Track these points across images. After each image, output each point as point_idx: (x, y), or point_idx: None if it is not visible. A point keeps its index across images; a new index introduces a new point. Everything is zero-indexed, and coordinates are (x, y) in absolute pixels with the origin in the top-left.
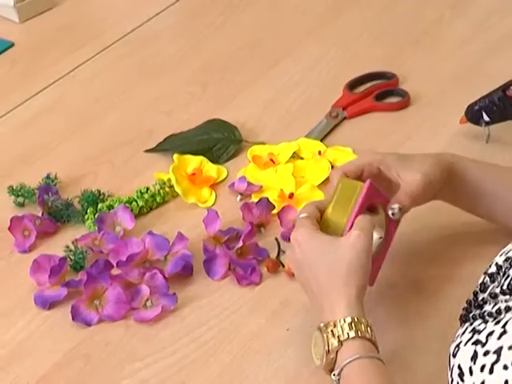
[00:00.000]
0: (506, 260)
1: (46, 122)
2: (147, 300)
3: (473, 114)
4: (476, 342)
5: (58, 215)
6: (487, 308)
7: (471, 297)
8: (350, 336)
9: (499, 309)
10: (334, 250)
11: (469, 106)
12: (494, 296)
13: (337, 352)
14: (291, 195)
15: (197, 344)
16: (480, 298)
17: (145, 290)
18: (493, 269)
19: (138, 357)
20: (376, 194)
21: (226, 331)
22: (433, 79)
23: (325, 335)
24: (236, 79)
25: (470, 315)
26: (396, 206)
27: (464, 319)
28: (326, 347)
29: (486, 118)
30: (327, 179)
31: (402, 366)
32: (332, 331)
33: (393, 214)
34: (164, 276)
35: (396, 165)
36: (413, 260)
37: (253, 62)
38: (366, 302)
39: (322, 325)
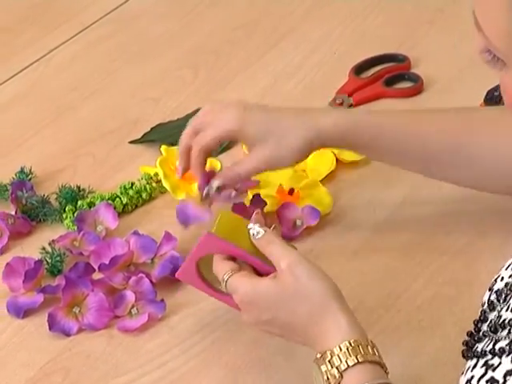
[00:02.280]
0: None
1: (20, 110)
2: (132, 307)
3: (493, 100)
4: (491, 381)
5: (33, 213)
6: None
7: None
8: (350, 364)
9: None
10: (285, 287)
11: (488, 92)
12: (494, 331)
13: None
14: (291, 191)
15: (187, 356)
16: (482, 332)
17: (130, 296)
18: (498, 285)
19: (123, 370)
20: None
21: (220, 341)
22: (448, 62)
23: (323, 368)
24: (230, 62)
25: (478, 349)
26: (215, 183)
27: (467, 355)
28: (326, 380)
29: None
30: (331, 174)
31: (411, 379)
32: (330, 362)
33: (206, 196)
34: (151, 280)
35: (253, 142)
36: (426, 262)
37: (249, 44)
38: (372, 308)
39: (318, 355)
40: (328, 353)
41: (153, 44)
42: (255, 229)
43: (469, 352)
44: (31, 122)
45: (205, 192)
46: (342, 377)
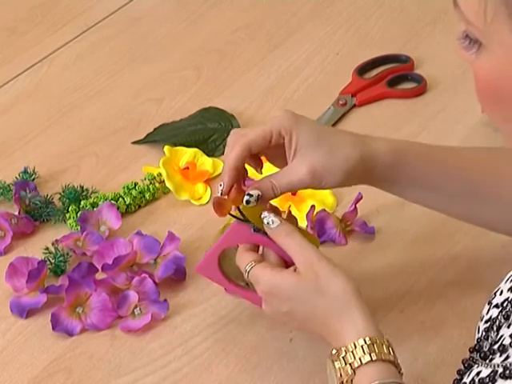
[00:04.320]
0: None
1: (24, 110)
2: (135, 307)
3: None
4: None
5: (36, 213)
6: (497, 361)
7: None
8: (364, 361)
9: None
10: (306, 280)
11: None
12: (493, 352)
13: (351, 381)
14: (294, 192)
15: (190, 356)
16: (485, 349)
17: (133, 296)
18: (498, 299)
19: (126, 370)
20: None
21: (223, 342)
22: (452, 63)
23: (337, 364)
24: (234, 63)
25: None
26: (255, 192)
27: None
28: (339, 377)
29: None
30: None
31: (414, 379)
32: (344, 358)
33: (247, 202)
34: (154, 281)
35: (303, 145)
36: (429, 262)
37: (252, 44)
38: (375, 309)
39: (333, 351)
40: (343, 349)
41: (156, 44)
42: (270, 217)
43: (470, 363)
44: (34, 123)
45: (245, 199)
46: (354, 373)
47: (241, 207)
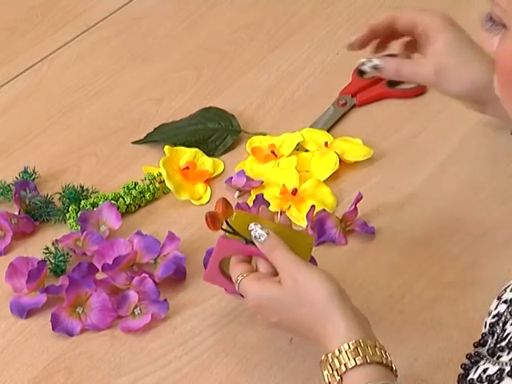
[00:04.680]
0: None
1: (23, 110)
2: (135, 307)
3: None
4: None
5: (36, 213)
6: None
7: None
8: (349, 367)
9: None
10: (289, 291)
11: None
12: (501, 350)
13: None
14: (295, 191)
15: (190, 356)
16: (492, 345)
17: (133, 296)
18: (508, 295)
19: (125, 370)
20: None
21: (223, 342)
22: None
23: (325, 371)
24: (234, 63)
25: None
26: (377, 61)
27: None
28: None
29: None
30: (334, 173)
31: (414, 379)
32: (331, 365)
33: (362, 64)
34: (154, 281)
35: (439, 52)
36: (429, 262)
37: (252, 44)
38: (375, 309)
39: (322, 358)
40: (329, 355)
41: (156, 44)
42: (257, 231)
43: (463, 380)
44: (34, 122)
45: (364, 62)
46: (342, 380)
47: (229, 221)
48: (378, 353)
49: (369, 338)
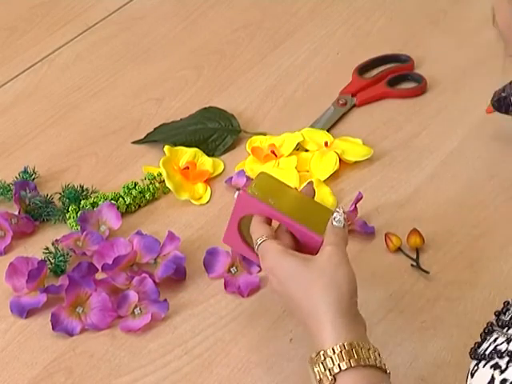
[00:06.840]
0: None
1: (23, 110)
2: (135, 307)
3: (501, 102)
4: (495, 366)
5: (36, 213)
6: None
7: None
8: (343, 368)
9: None
10: (308, 270)
11: (495, 93)
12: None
13: None
14: None
15: (190, 356)
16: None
17: (133, 296)
18: None
19: (125, 370)
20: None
21: (223, 342)
22: (452, 63)
23: (316, 368)
24: (234, 63)
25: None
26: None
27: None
28: (319, 381)
29: None
30: (335, 173)
31: (414, 380)
32: (323, 363)
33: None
34: (154, 281)
35: None
36: (429, 262)
37: (252, 44)
38: (375, 309)
39: (313, 355)
40: (322, 354)
41: (156, 44)
42: (339, 216)
43: (475, 353)
44: (34, 122)
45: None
46: (335, 380)
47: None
48: (376, 357)
49: (364, 340)
